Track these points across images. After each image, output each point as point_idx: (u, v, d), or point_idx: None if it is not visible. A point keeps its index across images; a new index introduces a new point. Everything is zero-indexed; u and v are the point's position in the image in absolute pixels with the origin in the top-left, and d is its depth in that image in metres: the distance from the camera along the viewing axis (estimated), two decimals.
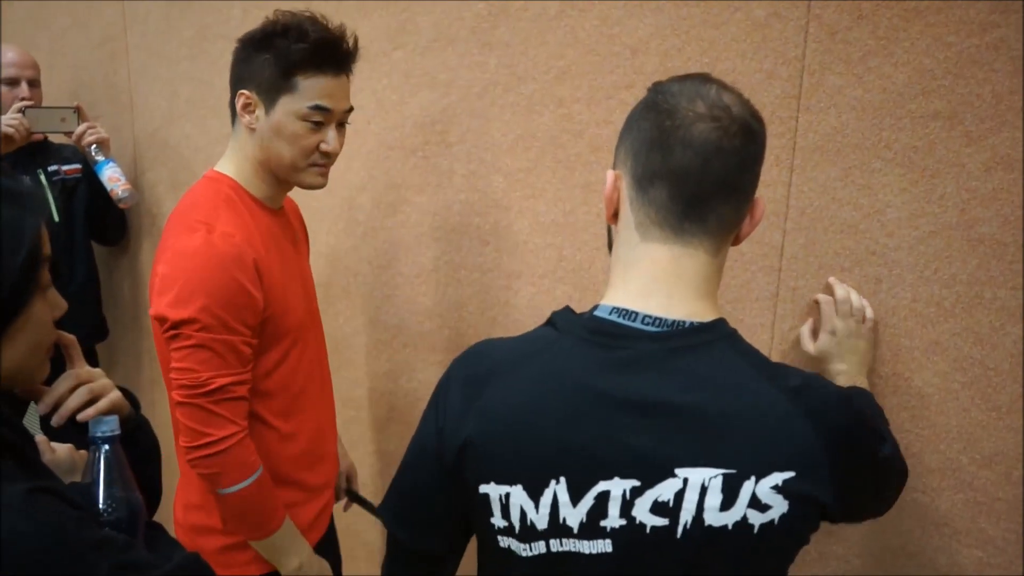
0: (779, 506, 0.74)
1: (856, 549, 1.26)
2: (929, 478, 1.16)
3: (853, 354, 1.14)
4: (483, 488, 0.81)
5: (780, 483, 0.74)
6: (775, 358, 1.27)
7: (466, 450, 0.81)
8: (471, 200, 1.59)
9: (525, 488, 0.79)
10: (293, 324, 1.32)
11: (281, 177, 1.30)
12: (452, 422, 0.83)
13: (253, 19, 1.81)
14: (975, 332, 1.10)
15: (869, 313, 1.15)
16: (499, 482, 0.80)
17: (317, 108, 1.24)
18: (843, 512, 0.80)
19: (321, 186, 1.32)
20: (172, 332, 1.19)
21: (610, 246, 0.89)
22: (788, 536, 0.77)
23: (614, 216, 0.84)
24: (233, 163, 1.31)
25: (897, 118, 1.11)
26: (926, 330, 1.14)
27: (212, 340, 1.18)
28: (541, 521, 0.78)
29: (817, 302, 1.19)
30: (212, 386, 1.19)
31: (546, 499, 0.78)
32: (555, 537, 0.78)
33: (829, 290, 1.18)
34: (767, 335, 1.28)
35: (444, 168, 1.61)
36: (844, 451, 0.77)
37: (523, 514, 0.79)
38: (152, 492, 0.99)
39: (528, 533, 0.80)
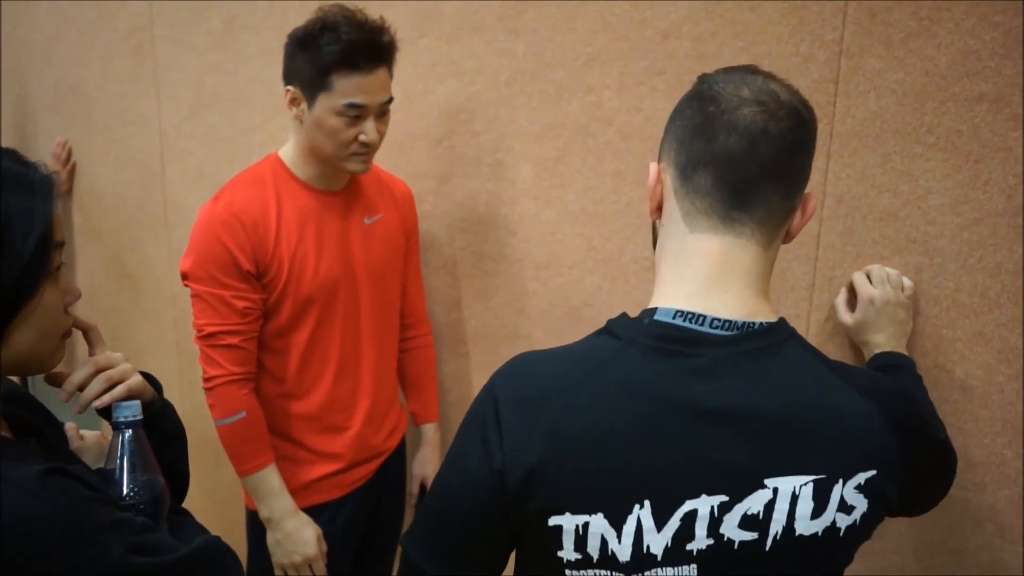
0: (861, 506, 0.73)
1: (894, 546, 1.23)
2: (972, 473, 1.13)
3: (892, 323, 1.12)
4: (554, 520, 0.74)
5: (863, 482, 0.72)
6: None
7: (532, 480, 0.74)
8: (498, 190, 1.57)
9: (607, 516, 0.73)
10: (312, 292, 1.41)
11: (325, 162, 1.40)
12: (511, 451, 0.74)
13: (279, 10, 1.81)
14: (1022, 322, 1.06)
15: (907, 282, 1.13)
16: (575, 512, 0.73)
17: (351, 105, 1.32)
18: (904, 506, 0.79)
19: (363, 171, 1.41)
20: (184, 282, 1.40)
21: (655, 244, 0.85)
22: (863, 535, 0.76)
23: (658, 210, 0.81)
24: (288, 146, 1.45)
25: (940, 102, 1.07)
26: (969, 321, 1.11)
27: (204, 292, 1.36)
28: (623, 552, 0.73)
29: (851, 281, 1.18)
30: (205, 332, 1.38)
31: (629, 527, 0.72)
32: (636, 572, 0.73)
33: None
34: (803, 325, 1.25)
35: (471, 157, 1.60)
36: (912, 444, 0.75)
37: (603, 544, 0.73)
38: (178, 476, 1.00)
39: (609, 563, 0.74)
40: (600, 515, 0.73)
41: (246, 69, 1.96)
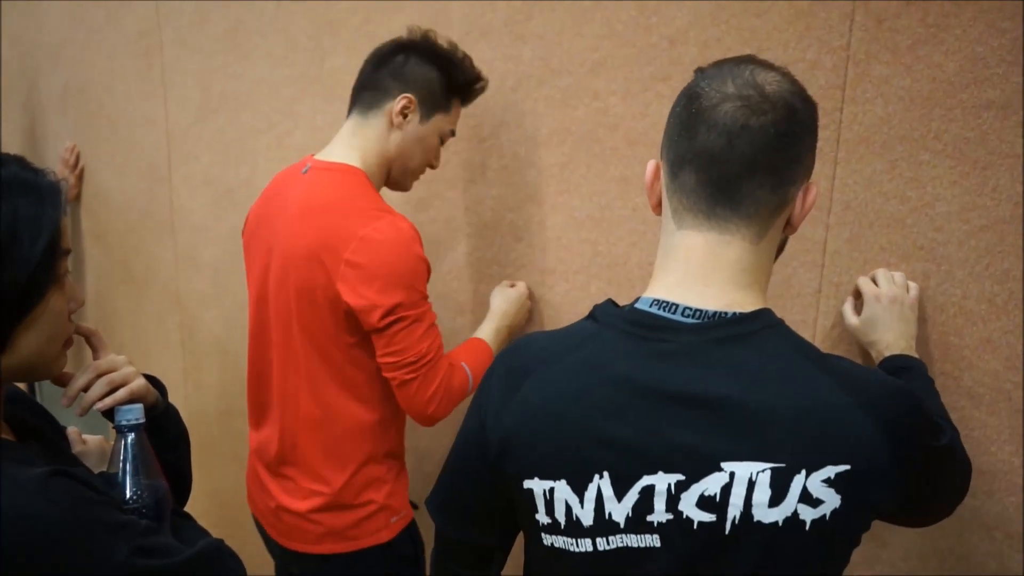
0: (831, 501, 0.71)
1: (902, 552, 1.22)
2: (980, 480, 1.12)
3: (901, 322, 1.11)
4: (527, 483, 0.80)
5: (832, 476, 0.71)
6: None
7: (506, 444, 0.81)
8: (504, 195, 1.57)
9: (569, 483, 0.77)
10: None
11: (395, 176, 1.42)
12: (492, 416, 0.82)
13: (286, 14, 1.82)
14: None
15: (912, 285, 1.13)
16: (543, 477, 0.79)
17: (452, 133, 1.43)
18: (905, 510, 0.78)
19: (407, 191, 1.48)
20: (389, 318, 1.25)
21: None
22: (839, 534, 0.74)
23: (658, 206, 0.84)
24: (359, 156, 1.35)
25: (947, 108, 1.07)
26: (976, 328, 1.10)
27: (424, 314, 1.29)
28: (587, 517, 0.77)
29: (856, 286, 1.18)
30: (430, 356, 1.29)
31: (590, 494, 0.77)
32: (601, 535, 0.77)
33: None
34: (809, 332, 1.24)
35: (477, 163, 1.60)
36: (905, 445, 0.73)
37: (568, 509, 0.78)
38: (180, 479, 1.00)
39: (574, 529, 0.78)
40: (563, 482, 0.78)
41: (253, 72, 1.97)
